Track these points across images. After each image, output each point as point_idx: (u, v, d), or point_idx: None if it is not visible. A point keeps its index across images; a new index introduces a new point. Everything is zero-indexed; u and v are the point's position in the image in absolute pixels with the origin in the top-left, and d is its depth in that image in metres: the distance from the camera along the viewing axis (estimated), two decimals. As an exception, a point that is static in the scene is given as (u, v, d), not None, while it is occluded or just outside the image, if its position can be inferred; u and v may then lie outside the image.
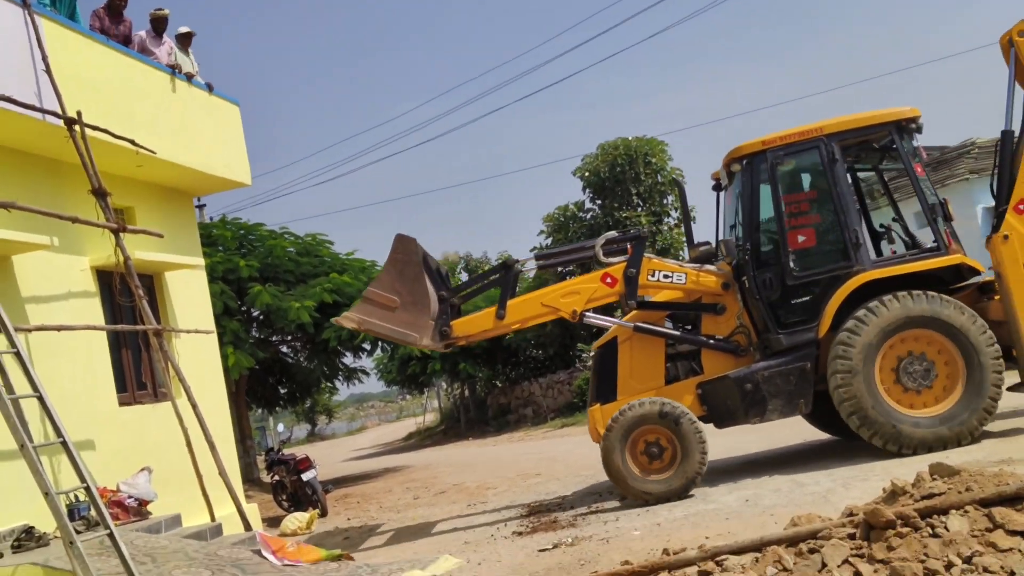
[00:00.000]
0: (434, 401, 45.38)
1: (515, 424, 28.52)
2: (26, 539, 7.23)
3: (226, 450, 11.16)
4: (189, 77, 11.38)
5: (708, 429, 9.45)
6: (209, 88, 11.84)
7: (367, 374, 26.53)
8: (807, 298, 9.34)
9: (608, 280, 9.84)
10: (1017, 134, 9.47)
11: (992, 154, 19.39)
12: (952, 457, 8.19)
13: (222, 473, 9.59)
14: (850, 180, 10.40)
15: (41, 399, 6.44)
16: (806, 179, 9.79)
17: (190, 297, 11.60)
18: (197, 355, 11.23)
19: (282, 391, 24.62)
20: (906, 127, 9.40)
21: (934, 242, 9.32)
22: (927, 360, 8.91)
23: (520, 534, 8.96)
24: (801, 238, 9.50)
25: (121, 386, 9.94)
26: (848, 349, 8.87)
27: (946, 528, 4.91)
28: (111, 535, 6.28)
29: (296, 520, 12.83)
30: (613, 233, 10.20)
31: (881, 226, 10.45)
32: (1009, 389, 9.20)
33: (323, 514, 14.35)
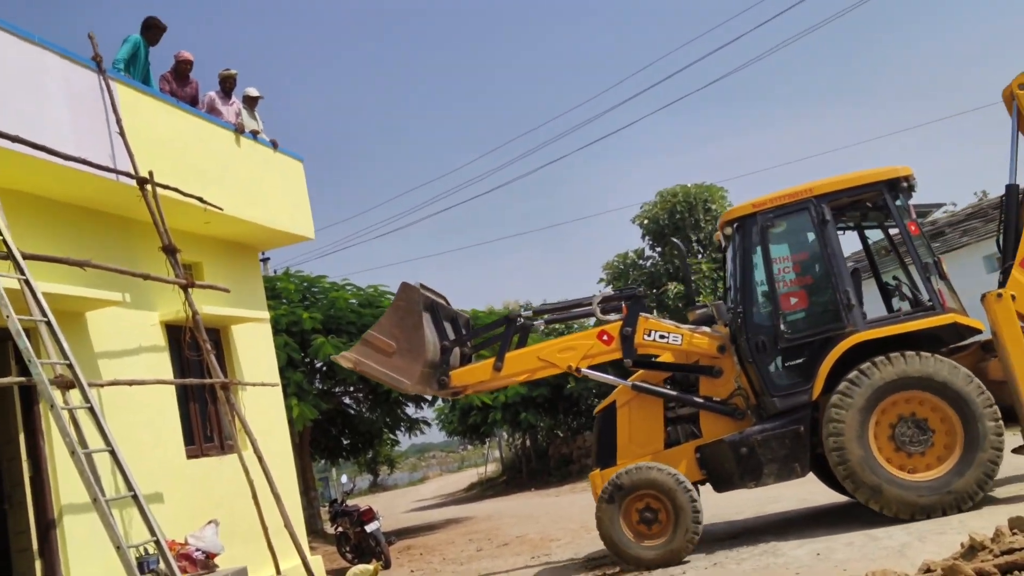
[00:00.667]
0: (495, 451, 45.20)
1: (577, 474, 28.22)
2: (97, 592, 7.33)
3: (291, 501, 11.25)
4: (255, 134, 11.68)
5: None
6: (274, 145, 12.14)
7: (428, 424, 26.61)
8: (801, 360, 9.22)
9: (604, 338, 9.84)
10: (1023, 188, 9.30)
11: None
12: (1032, 509, 7.92)
13: (287, 525, 9.65)
14: (859, 238, 10.40)
15: (113, 453, 6.59)
16: (797, 241, 9.70)
17: (256, 350, 11.79)
18: (262, 407, 11.38)
19: (345, 442, 24.75)
20: (897, 186, 9.28)
21: (928, 301, 9.16)
22: (924, 422, 8.69)
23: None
24: (793, 300, 9.42)
25: (189, 438, 10.10)
26: (841, 412, 8.69)
27: (1030, 585, 4.74)
28: (180, 588, 6.35)
29: (360, 572, 12.73)
30: (610, 291, 10.13)
31: (889, 284, 10.27)
32: (1013, 451, 8.94)
33: (387, 566, 14.31)
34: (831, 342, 9.01)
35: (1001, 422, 8.52)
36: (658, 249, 28.24)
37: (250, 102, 12.22)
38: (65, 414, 6.50)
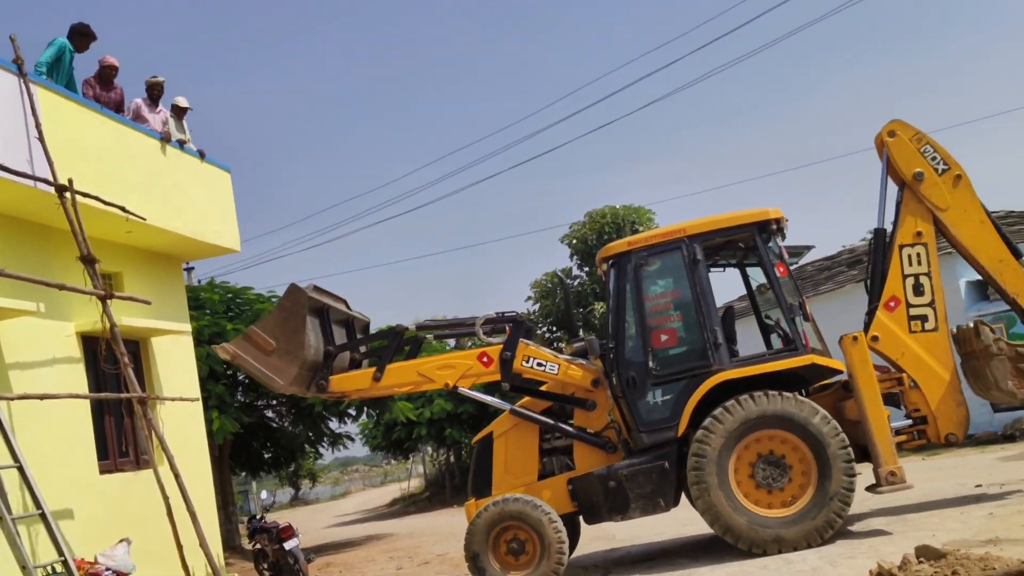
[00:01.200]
0: (419, 467, 44.97)
1: (501, 491, 28.10)
2: (0, 612, 7.09)
3: (207, 519, 11.04)
4: (181, 144, 11.49)
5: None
6: (201, 155, 11.96)
7: (352, 440, 26.35)
8: (668, 397, 9.40)
9: (484, 359, 9.91)
10: (889, 232, 9.73)
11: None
12: (939, 536, 8.16)
13: (203, 544, 9.46)
14: (742, 276, 10.71)
15: (22, 470, 6.39)
16: (669, 279, 9.89)
17: (176, 362, 11.56)
18: (181, 421, 11.15)
19: (266, 455, 24.30)
20: (767, 227, 9.52)
21: (791, 342, 9.44)
22: (782, 459, 8.95)
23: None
24: (664, 337, 9.61)
25: (103, 453, 9.86)
26: (703, 447, 8.92)
27: (933, 613, 4.88)
28: (87, 610, 6.18)
29: (277, 591, 12.59)
30: (492, 313, 10.26)
31: (768, 321, 10.60)
32: (867, 489, 9.24)
33: (304, 584, 14.09)
34: (697, 380, 9.22)
35: (852, 461, 8.80)
36: (586, 269, 28.51)
37: (178, 112, 12.00)
38: (-29, 429, 6.29)
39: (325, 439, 23.08)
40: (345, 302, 10.84)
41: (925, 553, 5.64)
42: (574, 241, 28.42)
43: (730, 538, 8.88)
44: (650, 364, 9.37)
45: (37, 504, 6.38)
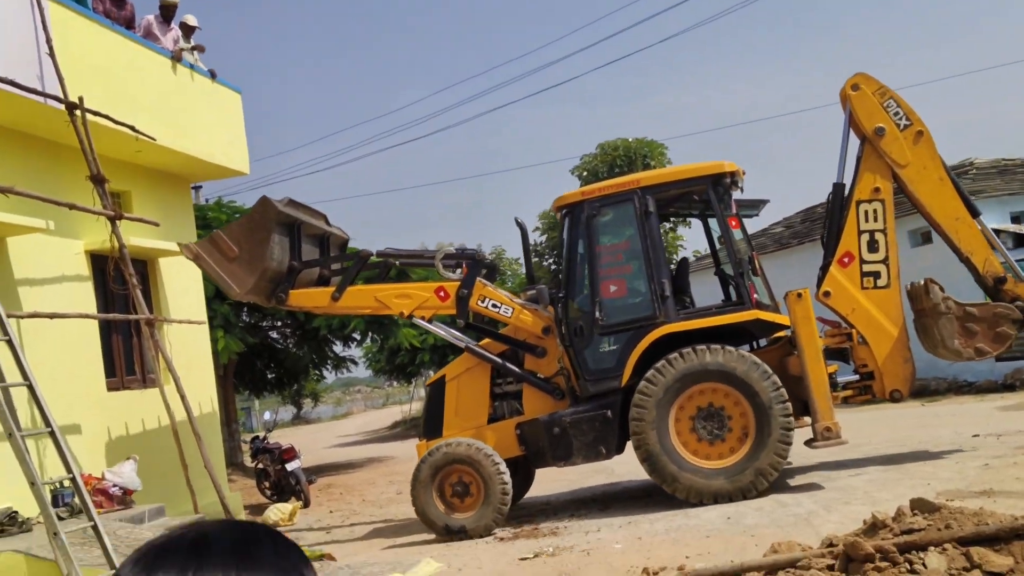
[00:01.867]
0: (421, 391, 45.37)
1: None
2: (8, 524, 7.24)
3: (212, 439, 11.21)
4: (191, 65, 11.35)
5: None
6: (212, 75, 11.82)
7: (355, 363, 26.54)
8: (614, 347, 9.52)
9: (441, 294, 10.05)
10: (848, 188, 9.66)
11: (989, 176, 19.51)
12: (934, 485, 8.28)
13: (207, 464, 9.61)
14: (704, 228, 10.83)
15: (31, 388, 6.45)
16: (621, 230, 9.94)
17: (183, 283, 11.60)
18: (187, 341, 11.24)
19: (270, 376, 24.55)
20: (721, 181, 9.53)
21: (738, 296, 9.48)
22: (722, 412, 9.07)
23: (502, 539, 9.00)
24: (612, 288, 9.71)
25: (110, 371, 9.95)
26: (644, 399, 9.04)
27: (924, 565, 4.96)
28: (95, 527, 6.31)
29: (278, 511, 12.81)
30: (451, 248, 10.27)
31: (717, 272, 10.64)
32: (805, 443, 9.33)
33: (306, 505, 14.36)
34: (642, 331, 9.31)
35: (790, 415, 8.90)
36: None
37: (187, 30, 11.83)
38: (-18, 346, 6.34)
39: (329, 362, 23.26)
40: (324, 218, 11.01)
41: (919, 506, 5.71)
42: (584, 173, 28.25)
43: (667, 487, 9.06)
44: (597, 314, 9.44)
45: (46, 421, 6.45)
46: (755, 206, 10.74)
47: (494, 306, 9.92)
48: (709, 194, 9.53)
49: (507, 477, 9.35)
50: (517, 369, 9.87)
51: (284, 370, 23.86)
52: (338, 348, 22.89)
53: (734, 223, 9.65)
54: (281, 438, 19.81)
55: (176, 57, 11.03)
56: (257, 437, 16.46)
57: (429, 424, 10.27)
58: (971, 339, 9.33)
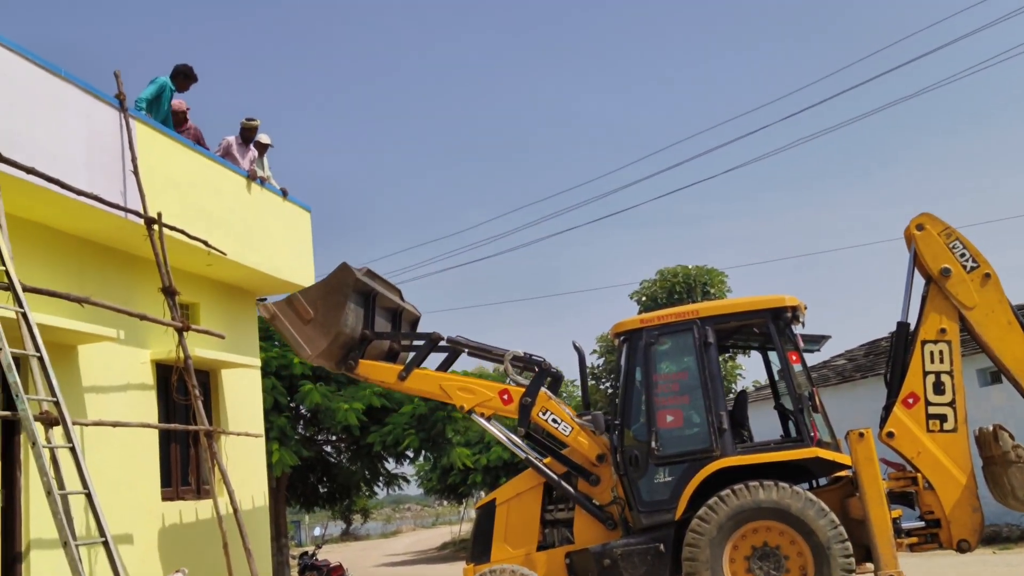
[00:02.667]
0: (472, 511, 44.75)
1: (552, 545, 27.76)
2: (56, 634, 7.20)
3: (261, 552, 11.13)
4: (263, 181, 11.78)
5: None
6: (284, 193, 12.23)
7: (407, 481, 26.37)
8: (669, 479, 9.28)
9: (505, 396, 9.99)
10: (912, 327, 9.52)
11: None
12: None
13: (255, 581, 9.51)
14: (763, 360, 10.65)
15: (89, 496, 6.52)
16: (680, 360, 9.82)
17: (243, 395, 11.75)
18: (243, 453, 11.30)
19: (322, 490, 24.48)
20: (781, 315, 9.45)
21: (798, 433, 9.28)
22: (779, 553, 8.71)
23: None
24: (669, 418, 9.49)
25: (166, 480, 10.01)
26: (697, 537, 8.74)
27: None
28: (140, 642, 6.25)
29: (323, 631, 12.61)
30: (522, 352, 10.18)
31: (776, 407, 10.45)
32: None
33: (350, 625, 14.10)
34: (698, 464, 9.10)
35: (851, 559, 8.52)
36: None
37: (261, 148, 12.34)
38: (46, 452, 6.45)
39: (381, 478, 23.17)
40: (399, 292, 11.15)
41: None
42: (643, 298, 28.31)
43: None
44: (653, 444, 9.27)
45: (100, 531, 6.50)
46: (817, 341, 10.62)
47: (554, 421, 9.83)
48: (769, 328, 9.46)
49: None
50: (575, 492, 9.69)
51: (336, 485, 23.79)
52: (391, 465, 22.84)
53: (795, 358, 9.52)
54: (330, 554, 19.63)
55: (251, 177, 11.45)
56: (306, 553, 16.36)
57: (477, 548, 10.06)
58: None
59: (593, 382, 27.17)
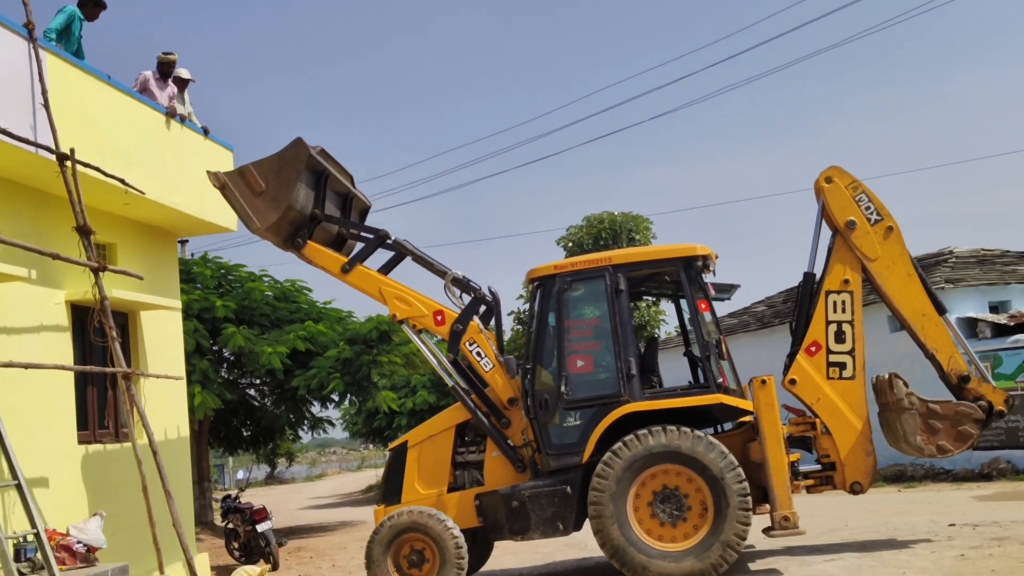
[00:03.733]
0: (397, 454, 44.92)
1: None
2: (-32, 578, 7.07)
3: (182, 494, 11.05)
4: (182, 119, 11.45)
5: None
6: (205, 132, 11.92)
7: (332, 424, 26.36)
8: (577, 423, 9.53)
9: (439, 318, 10.10)
10: (818, 277, 9.87)
11: (968, 265, 19.74)
12: (908, 574, 8.22)
13: (176, 524, 9.45)
14: (676, 309, 11.01)
15: (0, 438, 6.37)
16: (591, 306, 10.04)
17: (163, 338, 11.54)
18: (163, 396, 11.13)
19: (245, 434, 24.30)
20: (692, 264, 9.68)
21: (704, 379, 9.60)
22: (681, 495, 9.02)
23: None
24: (579, 363, 9.71)
25: (82, 423, 9.82)
26: (601, 482, 9.00)
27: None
28: (56, 585, 6.18)
29: (246, 573, 12.55)
30: (462, 275, 10.24)
31: (685, 354, 10.76)
32: (763, 531, 9.32)
33: (274, 568, 14.12)
34: (606, 409, 9.32)
35: (749, 499, 8.86)
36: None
37: (181, 84, 11.97)
38: (-46, 394, 6.27)
39: (306, 421, 23.06)
40: (351, 178, 11.09)
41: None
42: (570, 244, 28.44)
43: (627, 571, 8.96)
44: (563, 388, 9.45)
45: (13, 473, 6.36)
46: (727, 290, 10.89)
47: (478, 354, 9.89)
48: (680, 276, 9.64)
49: (464, 550, 9.23)
50: (496, 431, 9.78)
51: (260, 428, 23.64)
52: (315, 408, 22.73)
53: (704, 306, 9.75)
54: (254, 498, 19.54)
55: (170, 114, 11.13)
56: (229, 496, 16.25)
57: (389, 489, 10.16)
58: (933, 436, 9.45)
59: (519, 327, 27.29)
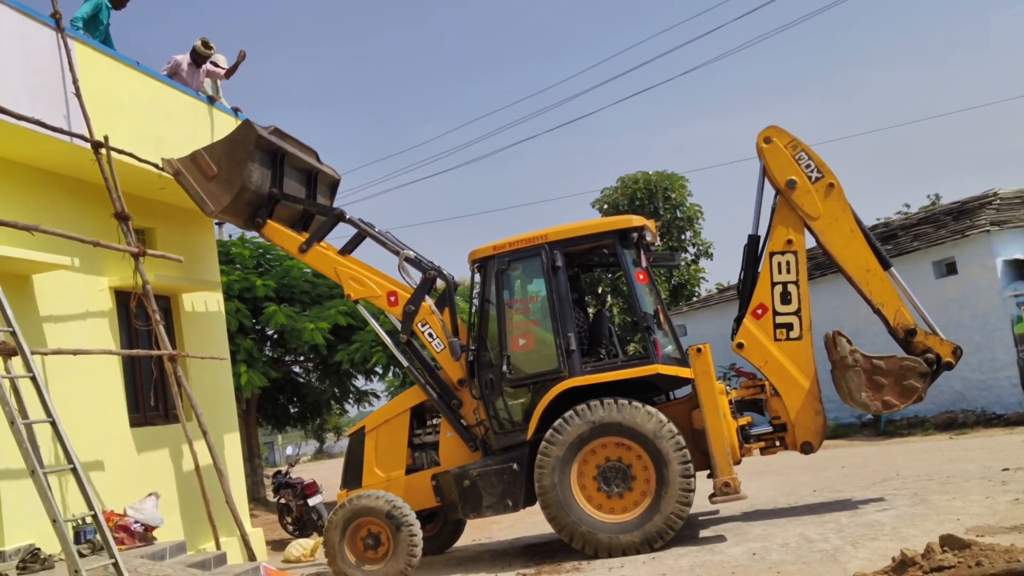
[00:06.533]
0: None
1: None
2: (31, 561, 7.24)
3: (234, 475, 11.21)
4: (212, 100, 11.50)
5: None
6: (236, 112, 11.96)
7: (378, 397, 26.55)
8: (521, 400, 9.60)
9: (392, 298, 10.14)
10: (763, 239, 9.76)
11: (1013, 206, 19.36)
12: (963, 520, 8.14)
13: (228, 501, 9.61)
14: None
15: (54, 424, 6.48)
16: (530, 284, 10.06)
17: (206, 318, 11.67)
18: (210, 377, 11.27)
19: (292, 411, 24.57)
20: (627, 237, 9.62)
21: (643, 350, 9.59)
22: (625, 466, 9.06)
23: (525, 575, 8.92)
24: (521, 341, 9.77)
25: (133, 406, 9.99)
26: (544, 459, 9.05)
27: (955, 604, 4.87)
28: (115, 564, 6.30)
29: (300, 547, 12.80)
30: (415, 254, 10.20)
31: (635, 323, 10.69)
32: (710, 498, 9.27)
33: (327, 540, 14.30)
34: (547, 385, 9.36)
35: (690, 466, 8.91)
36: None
37: (213, 74, 12.00)
38: (6, 383, 6.37)
39: (351, 395, 23.27)
40: (315, 154, 11.15)
41: (949, 542, 5.61)
42: (605, 206, 28.29)
43: (575, 544, 9.05)
44: (505, 367, 9.52)
45: (68, 458, 6.47)
46: (670, 259, 10.89)
47: (430, 335, 9.98)
48: (616, 248, 9.61)
49: (416, 529, 9.27)
50: (451, 412, 9.86)
51: (306, 404, 23.88)
52: (360, 382, 22.92)
53: (642, 277, 9.74)
54: (304, 473, 19.80)
55: (211, 99, 11.25)
56: (279, 472, 16.49)
57: (349, 474, 10.30)
58: (878, 392, 9.43)
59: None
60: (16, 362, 7.08)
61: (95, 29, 10.11)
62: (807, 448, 9.48)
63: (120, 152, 9.20)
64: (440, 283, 10.30)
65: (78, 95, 8.80)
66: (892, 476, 11.75)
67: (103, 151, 9.00)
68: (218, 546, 9.49)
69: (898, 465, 12.79)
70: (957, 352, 9.58)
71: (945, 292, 18.65)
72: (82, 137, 8.77)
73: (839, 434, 19.57)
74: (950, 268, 19.05)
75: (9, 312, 6.69)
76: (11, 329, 6.63)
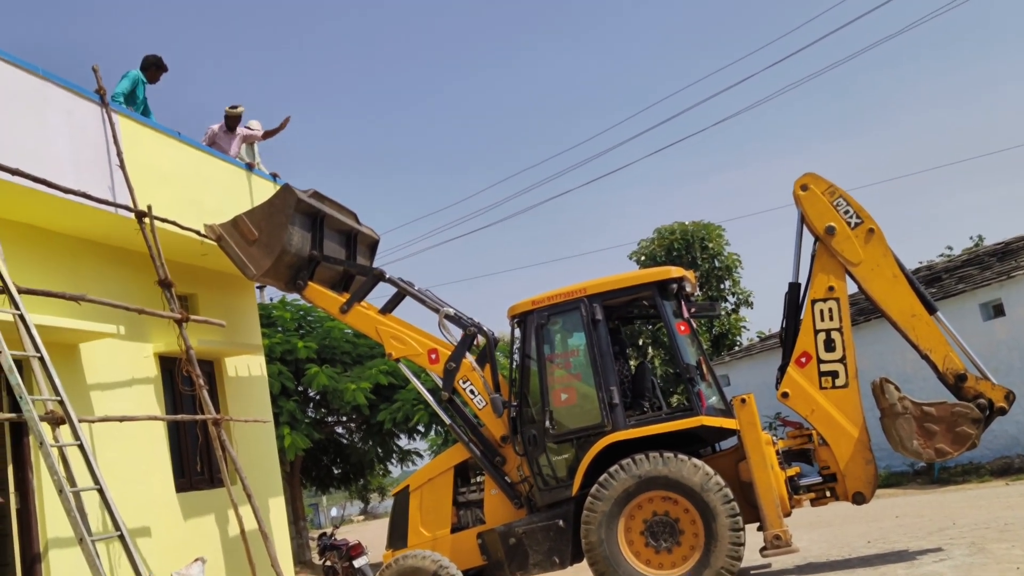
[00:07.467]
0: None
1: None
2: (80, 630, 7.25)
3: (279, 536, 11.20)
4: (250, 167, 11.73)
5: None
6: (274, 178, 12.18)
7: (421, 456, 26.52)
8: (565, 456, 9.46)
9: (433, 356, 10.09)
10: (803, 287, 9.63)
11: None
12: (1023, 568, 7.89)
13: (274, 565, 9.58)
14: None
15: (102, 492, 6.54)
16: (569, 338, 10.00)
17: (249, 382, 11.76)
18: (253, 440, 11.33)
19: (336, 471, 24.62)
20: (667, 288, 9.54)
21: (687, 402, 9.44)
22: (672, 520, 8.86)
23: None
24: (563, 396, 9.65)
25: (179, 471, 10.05)
26: (591, 515, 8.88)
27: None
28: (163, 631, 6.30)
29: (346, 609, 12.70)
30: (455, 311, 10.18)
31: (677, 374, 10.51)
32: (760, 551, 9.02)
33: (373, 602, 14.21)
34: (591, 440, 9.22)
35: (739, 519, 8.68)
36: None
37: (249, 138, 12.27)
38: (54, 451, 6.46)
39: (394, 455, 23.27)
40: (354, 215, 11.27)
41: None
42: (642, 258, 28.26)
43: None
44: (547, 423, 9.40)
45: (116, 524, 6.53)
46: (710, 309, 10.75)
47: (471, 392, 9.92)
48: (656, 300, 9.55)
49: None
50: (494, 469, 9.77)
51: (350, 465, 23.93)
52: (403, 441, 22.93)
53: (683, 328, 9.64)
54: (349, 534, 19.76)
55: (249, 166, 11.49)
56: (324, 534, 16.44)
57: (395, 534, 10.21)
58: (930, 440, 9.17)
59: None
60: (64, 430, 7.17)
61: (132, 103, 10.41)
62: (859, 498, 9.26)
63: (163, 220, 9.39)
64: (480, 339, 10.29)
65: (122, 167, 9.02)
66: (948, 525, 11.45)
67: (147, 220, 9.20)
68: (264, 611, 9.44)
69: (954, 513, 12.47)
70: (1010, 397, 9.34)
71: (994, 334, 18.32)
72: (126, 207, 8.98)
73: (891, 483, 19.17)
74: (997, 310, 18.74)
75: (57, 381, 6.81)
76: (59, 398, 6.74)
